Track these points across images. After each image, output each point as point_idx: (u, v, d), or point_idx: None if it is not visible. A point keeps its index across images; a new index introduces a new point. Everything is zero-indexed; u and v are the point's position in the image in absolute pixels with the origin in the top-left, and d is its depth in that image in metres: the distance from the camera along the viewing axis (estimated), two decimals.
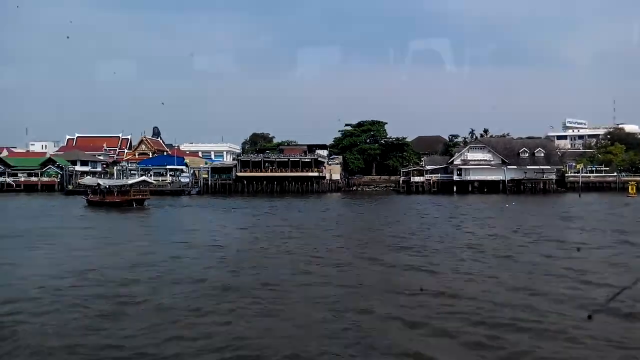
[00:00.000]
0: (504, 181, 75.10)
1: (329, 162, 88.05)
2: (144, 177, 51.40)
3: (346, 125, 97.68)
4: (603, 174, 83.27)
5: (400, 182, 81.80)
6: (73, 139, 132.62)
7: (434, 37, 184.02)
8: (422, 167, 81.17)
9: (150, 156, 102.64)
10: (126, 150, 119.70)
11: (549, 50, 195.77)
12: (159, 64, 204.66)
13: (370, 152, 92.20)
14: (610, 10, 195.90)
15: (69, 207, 46.04)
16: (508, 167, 75.44)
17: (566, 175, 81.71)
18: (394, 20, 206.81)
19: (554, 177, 75.99)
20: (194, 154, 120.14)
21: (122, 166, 76.70)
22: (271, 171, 76.37)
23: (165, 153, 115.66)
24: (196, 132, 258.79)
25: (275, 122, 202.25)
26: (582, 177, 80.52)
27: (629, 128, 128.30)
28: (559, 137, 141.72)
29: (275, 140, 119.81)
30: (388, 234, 26.80)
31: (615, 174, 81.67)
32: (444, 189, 76.61)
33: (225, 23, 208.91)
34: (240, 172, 75.20)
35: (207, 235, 25.79)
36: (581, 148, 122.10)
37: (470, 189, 75.52)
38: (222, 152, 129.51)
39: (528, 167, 75.47)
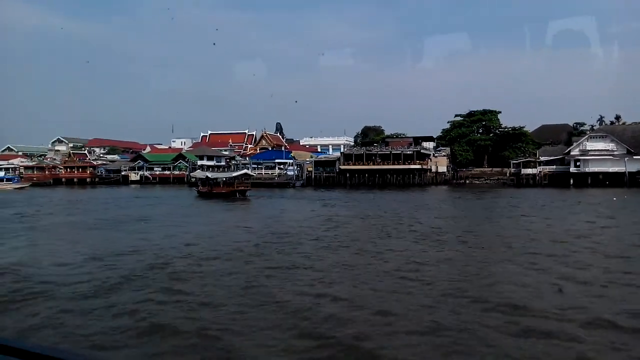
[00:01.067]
0: (629, 173, 67.63)
1: (435, 155, 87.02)
2: (245, 171, 56.86)
3: (456, 115, 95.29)
4: None
5: (507, 174, 78.04)
6: (206, 136, 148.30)
7: (569, 16, 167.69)
8: (535, 158, 76.30)
9: (270, 150, 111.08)
10: (249, 146, 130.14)
11: None
12: (285, 62, 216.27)
13: (480, 143, 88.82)
14: None
15: (184, 197, 53.08)
16: (634, 157, 67.65)
17: None
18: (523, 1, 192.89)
19: None
20: (311, 147, 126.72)
21: (236, 160, 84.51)
22: (374, 164, 78.13)
23: (283, 147, 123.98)
24: (318, 126, 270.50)
25: (389, 114, 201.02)
26: None
27: None
28: None
29: (386, 133, 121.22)
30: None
31: None
32: (557, 181, 71.36)
33: (345, 17, 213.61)
34: (343, 165, 78.22)
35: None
36: None
37: (589, 181, 69.35)
38: (339, 145, 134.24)
39: None
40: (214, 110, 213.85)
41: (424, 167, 78.92)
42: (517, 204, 42.06)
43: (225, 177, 50.88)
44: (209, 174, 52.44)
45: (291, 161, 78.04)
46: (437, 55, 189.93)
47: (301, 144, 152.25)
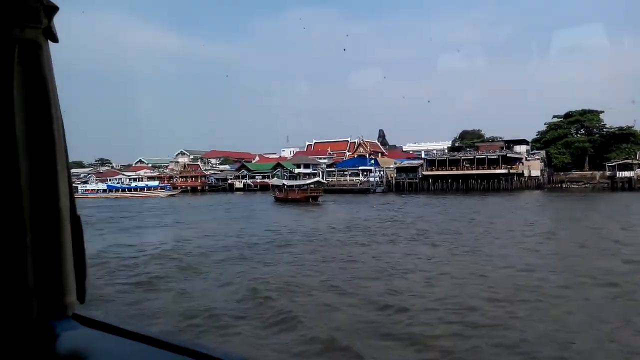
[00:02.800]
0: None
1: (528, 158, 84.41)
2: (317, 178, 62.03)
3: (554, 117, 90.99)
4: None
5: (597, 177, 73.56)
6: (311, 144, 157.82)
7: None
8: (635, 160, 70.87)
9: (355, 158, 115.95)
10: (348, 153, 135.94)
11: None
12: (400, 67, 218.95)
13: (578, 145, 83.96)
14: None
15: (264, 203, 59.94)
16: None
17: None
18: None
19: None
20: (413, 153, 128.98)
21: (317, 168, 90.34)
22: (458, 169, 78.61)
23: (379, 154, 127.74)
24: (428, 131, 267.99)
25: (494, 117, 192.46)
26: None
27: None
28: None
29: (486, 136, 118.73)
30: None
31: None
32: None
33: (463, 17, 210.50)
34: (426, 170, 79.88)
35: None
36: None
37: None
38: (442, 149, 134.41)
39: None
40: (329, 120, 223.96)
41: (512, 171, 77.40)
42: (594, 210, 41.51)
43: (300, 184, 56.60)
44: (285, 181, 58.58)
45: (372, 168, 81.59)
46: (553, 52, 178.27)
47: (404, 149, 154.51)
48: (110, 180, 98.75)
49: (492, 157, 77.01)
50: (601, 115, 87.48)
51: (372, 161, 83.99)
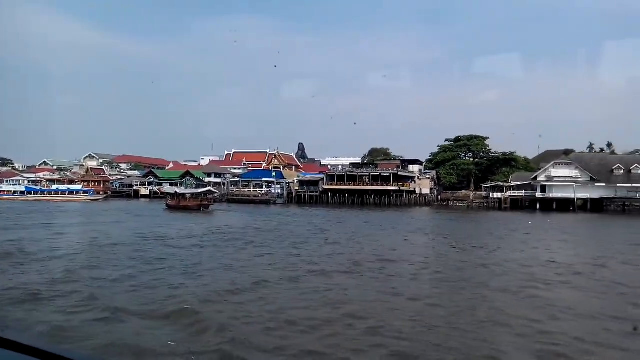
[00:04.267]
0: (590, 199, 69.93)
1: (420, 177, 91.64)
2: (209, 188, 64.48)
3: (446, 140, 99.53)
4: None
5: (471, 197, 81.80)
6: (230, 154, 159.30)
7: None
8: (505, 183, 79.74)
9: (282, 169, 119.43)
10: (264, 164, 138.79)
11: None
12: (333, 81, 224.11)
13: (464, 166, 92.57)
14: None
15: (157, 210, 61.35)
16: (596, 184, 69.95)
17: None
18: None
19: None
20: (332, 167, 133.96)
21: (225, 178, 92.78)
22: (355, 185, 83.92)
23: (293, 167, 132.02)
24: (345, 146, 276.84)
25: (407, 136, 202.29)
26: None
27: None
28: None
29: (392, 154, 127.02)
30: None
31: None
32: (519, 206, 74.59)
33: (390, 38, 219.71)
34: (326, 185, 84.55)
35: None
36: None
37: (554, 206, 72.09)
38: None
39: (619, 185, 68.86)
40: (259, 129, 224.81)
41: (403, 188, 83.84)
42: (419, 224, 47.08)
43: (192, 192, 58.68)
44: (177, 189, 60.41)
45: (274, 180, 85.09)
46: (471, 76, 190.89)
47: (322, 163, 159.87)
48: (7, 181, 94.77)
49: (385, 174, 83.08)
50: (487, 141, 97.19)
51: (274, 174, 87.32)
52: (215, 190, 65.46)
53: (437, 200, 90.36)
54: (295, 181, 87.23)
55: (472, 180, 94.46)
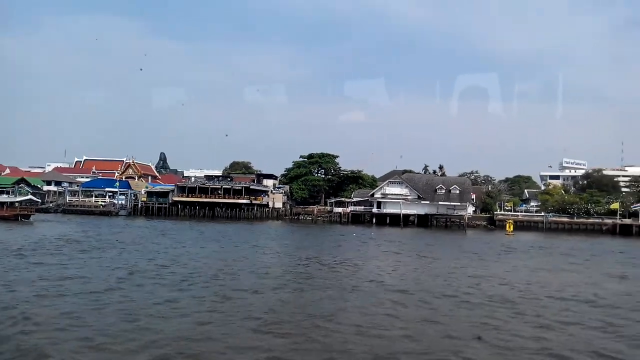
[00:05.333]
0: (418, 215, 78.31)
1: (273, 191, 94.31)
2: (30, 197, 59.83)
3: (300, 157, 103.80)
4: (532, 214, 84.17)
5: (315, 211, 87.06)
6: (81, 161, 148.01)
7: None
8: (348, 199, 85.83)
9: (136, 180, 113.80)
10: (117, 173, 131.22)
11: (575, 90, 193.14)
12: (203, 92, 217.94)
13: (314, 182, 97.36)
14: None
15: None
16: (422, 202, 78.57)
17: (495, 213, 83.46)
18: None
19: (464, 213, 78.06)
20: (195, 179, 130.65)
21: (63, 187, 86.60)
22: (207, 197, 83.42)
23: (149, 178, 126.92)
24: (214, 158, 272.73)
25: (272, 150, 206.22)
26: (512, 215, 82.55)
27: (634, 170, 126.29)
28: (552, 177, 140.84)
29: (254, 169, 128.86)
30: None
31: (543, 214, 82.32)
32: (360, 220, 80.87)
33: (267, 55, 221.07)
34: (177, 196, 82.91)
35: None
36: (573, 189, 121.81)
37: (387, 221, 79.08)
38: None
39: (440, 203, 78.23)
40: (122, 137, 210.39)
41: (255, 202, 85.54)
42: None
43: (9, 202, 53.71)
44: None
45: (117, 190, 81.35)
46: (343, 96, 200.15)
47: (186, 175, 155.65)
48: None
49: (237, 187, 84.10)
50: (338, 160, 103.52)
51: (117, 184, 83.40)
52: (37, 199, 60.61)
53: (288, 214, 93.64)
54: (143, 192, 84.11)
55: (323, 195, 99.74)
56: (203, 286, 19.31)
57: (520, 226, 79.95)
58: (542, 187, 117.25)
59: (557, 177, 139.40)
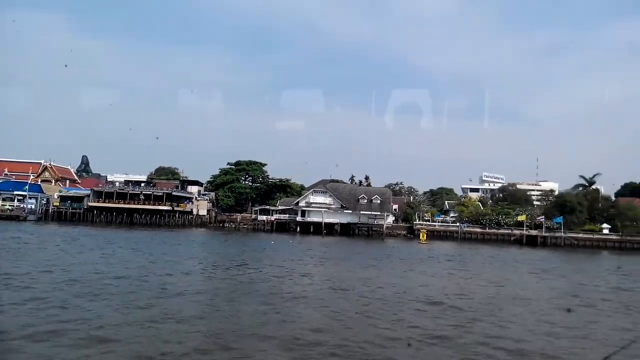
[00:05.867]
0: (341, 224, 79.82)
1: (198, 198, 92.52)
2: None
3: (228, 164, 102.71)
4: (448, 224, 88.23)
5: (238, 219, 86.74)
6: None
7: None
8: (272, 207, 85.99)
9: (53, 183, 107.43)
10: (32, 176, 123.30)
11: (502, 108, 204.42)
12: (138, 94, 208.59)
13: (241, 190, 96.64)
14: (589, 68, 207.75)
15: None
16: (345, 211, 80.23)
17: (414, 223, 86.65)
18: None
19: (383, 222, 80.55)
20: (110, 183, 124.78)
21: None
22: (125, 203, 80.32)
23: (67, 182, 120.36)
24: (142, 162, 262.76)
25: (205, 159, 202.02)
26: (429, 225, 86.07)
27: (547, 185, 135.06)
28: (472, 190, 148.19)
29: (182, 174, 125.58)
30: None
31: (458, 224, 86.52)
32: (285, 228, 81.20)
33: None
34: (92, 202, 79.25)
35: None
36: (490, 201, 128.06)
37: (311, 229, 79.93)
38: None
39: (362, 212, 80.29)
40: (44, 137, 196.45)
41: (178, 208, 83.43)
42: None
43: None
44: None
45: (27, 193, 76.69)
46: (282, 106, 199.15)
47: (109, 179, 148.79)
48: None
49: (158, 194, 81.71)
50: (265, 168, 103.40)
51: (27, 187, 78.56)
52: None
53: (213, 222, 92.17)
54: (56, 196, 79.67)
55: (250, 203, 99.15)
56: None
57: (437, 236, 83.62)
58: (463, 199, 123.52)
59: (476, 190, 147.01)
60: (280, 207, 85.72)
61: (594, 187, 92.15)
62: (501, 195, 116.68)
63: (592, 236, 79.18)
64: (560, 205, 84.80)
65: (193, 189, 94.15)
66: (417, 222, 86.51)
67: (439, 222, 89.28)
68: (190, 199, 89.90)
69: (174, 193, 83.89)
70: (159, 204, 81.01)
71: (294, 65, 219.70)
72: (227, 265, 31.30)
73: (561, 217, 78.29)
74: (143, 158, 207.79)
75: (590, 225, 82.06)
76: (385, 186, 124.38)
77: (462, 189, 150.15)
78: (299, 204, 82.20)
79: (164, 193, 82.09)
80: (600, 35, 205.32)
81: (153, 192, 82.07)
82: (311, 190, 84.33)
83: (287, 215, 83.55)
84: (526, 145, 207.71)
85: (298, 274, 28.21)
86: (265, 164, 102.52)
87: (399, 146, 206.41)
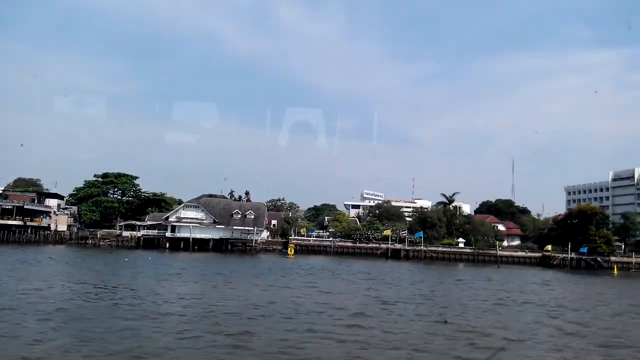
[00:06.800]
0: (214, 239, 77.98)
1: (57, 212, 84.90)
2: None
3: (94, 175, 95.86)
4: (322, 239, 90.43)
5: (99, 235, 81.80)
6: None
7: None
8: (139, 222, 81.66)
9: None
10: None
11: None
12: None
13: (107, 204, 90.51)
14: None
15: None
16: (217, 226, 78.66)
17: (289, 238, 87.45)
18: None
19: (257, 237, 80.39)
20: None
21: None
22: None
23: None
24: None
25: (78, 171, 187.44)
26: (303, 240, 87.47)
27: (422, 203, 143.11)
28: (354, 206, 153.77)
29: (44, 187, 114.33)
30: None
31: (331, 239, 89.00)
32: (155, 244, 77.43)
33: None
34: None
35: None
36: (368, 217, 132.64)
37: (182, 245, 76.99)
38: None
39: (235, 227, 79.37)
40: None
41: (31, 223, 75.81)
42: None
43: None
44: None
45: None
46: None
47: None
48: None
49: (7, 207, 73.67)
50: (138, 181, 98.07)
51: None
52: None
53: (74, 238, 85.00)
54: None
55: (119, 218, 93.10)
56: None
57: (311, 250, 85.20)
58: (346, 215, 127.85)
59: (357, 207, 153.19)
60: (149, 223, 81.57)
61: (456, 204, 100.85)
62: (377, 211, 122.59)
63: (449, 249, 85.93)
64: (422, 221, 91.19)
65: (52, 202, 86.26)
66: (292, 237, 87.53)
67: (313, 237, 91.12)
68: (47, 213, 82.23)
69: (26, 207, 76.11)
70: (9, 219, 73.00)
71: (185, 76, 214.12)
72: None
73: (422, 232, 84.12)
74: (5, 168, 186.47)
75: (449, 239, 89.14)
76: (268, 202, 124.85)
77: (345, 205, 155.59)
78: (169, 219, 78.96)
79: (14, 206, 74.15)
80: (467, 70, 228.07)
81: (1, 205, 73.70)
82: (182, 205, 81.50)
83: (157, 230, 79.69)
84: (406, 166, 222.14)
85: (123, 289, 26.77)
86: (136, 177, 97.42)
87: (291, 163, 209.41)
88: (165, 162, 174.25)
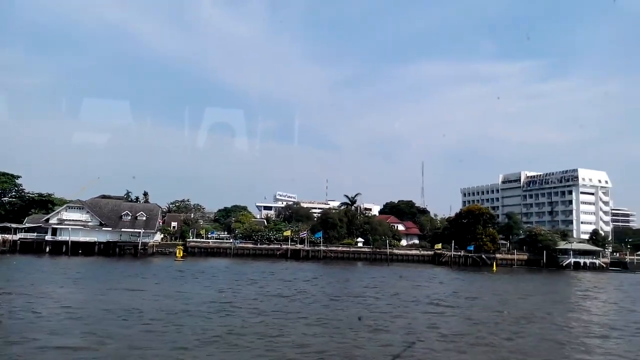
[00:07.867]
0: (99, 242, 73.11)
1: None
2: None
3: None
4: (222, 241, 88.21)
5: None
6: None
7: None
8: (15, 225, 74.80)
9: None
10: None
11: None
12: None
13: None
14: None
15: None
16: (104, 228, 73.91)
17: (187, 240, 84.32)
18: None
19: (149, 240, 76.68)
20: None
21: None
22: None
23: None
24: None
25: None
26: (202, 242, 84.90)
27: (334, 204, 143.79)
28: (266, 208, 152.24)
29: None
30: None
31: (231, 241, 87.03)
32: (33, 248, 71.24)
33: None
34: None
35: None
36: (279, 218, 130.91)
37: (64, 249, 71.34)
38: None
39: (124, 230, 75.06)
40: None
41: None
42: None
43: None
44: None
45: None
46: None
47: None
48: None
49: None
50: (20, 180, 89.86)
51: None
52: None
53: None
54: None
55: None
56: None
57: (210, 252, 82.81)
58: (258, 217, 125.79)
59: (269, 208, 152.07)
60: (27, 225, 74.90)
61: (367, 205, 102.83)
62: (287, 213, 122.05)
63: (348, 249, 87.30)
64: (324, 222, 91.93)
65: None
66: (190, 240, 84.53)
67: (213, 238, 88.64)
68: None
69: None
70: None
71: (97, 72, 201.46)
72: None
73: (321, 232, 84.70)
74: None
75: (349, 239, 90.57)
76: (171, 203, 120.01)
77: (257, 206, 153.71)
78: (49, 221, 72.92)
79: None
80: (385, 75, 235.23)
81: None
82: (65, 205, 75.66)
83: (35, 233, 73.31)
84: (324, 167, 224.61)
85: None
86: (18, 176, 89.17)
87: (208, 163, 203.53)
88: (72, 162, 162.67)
